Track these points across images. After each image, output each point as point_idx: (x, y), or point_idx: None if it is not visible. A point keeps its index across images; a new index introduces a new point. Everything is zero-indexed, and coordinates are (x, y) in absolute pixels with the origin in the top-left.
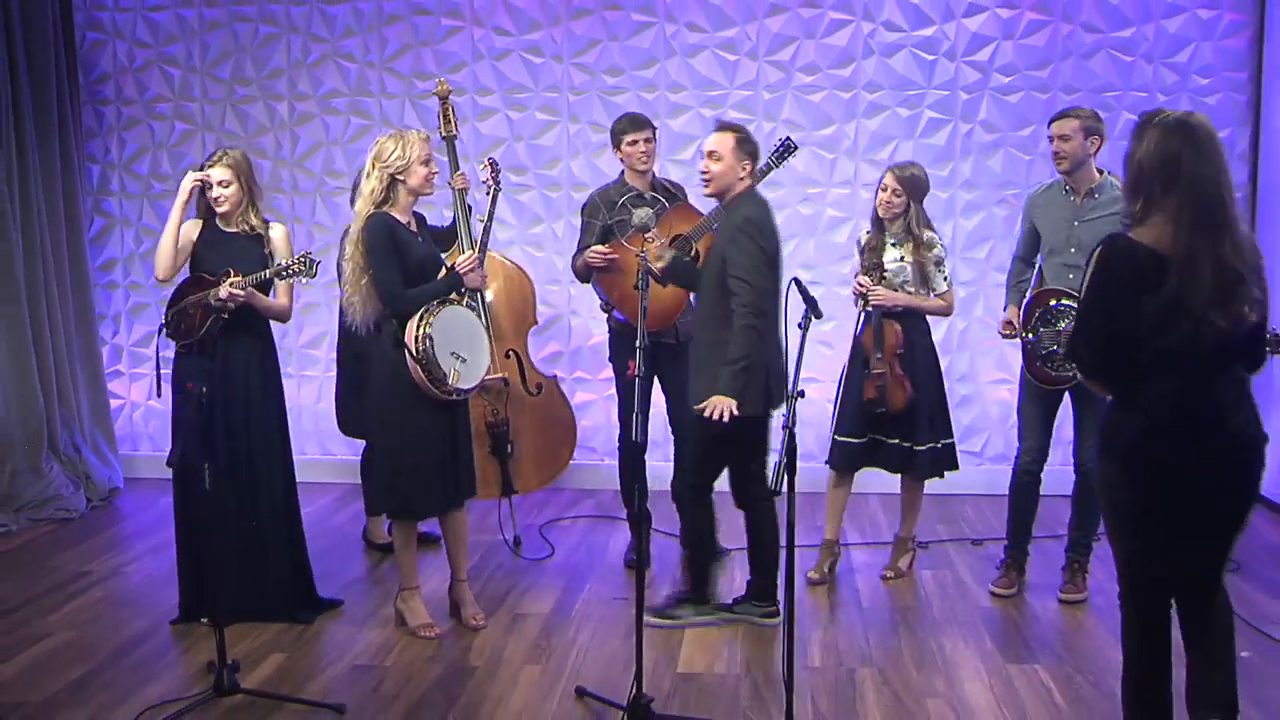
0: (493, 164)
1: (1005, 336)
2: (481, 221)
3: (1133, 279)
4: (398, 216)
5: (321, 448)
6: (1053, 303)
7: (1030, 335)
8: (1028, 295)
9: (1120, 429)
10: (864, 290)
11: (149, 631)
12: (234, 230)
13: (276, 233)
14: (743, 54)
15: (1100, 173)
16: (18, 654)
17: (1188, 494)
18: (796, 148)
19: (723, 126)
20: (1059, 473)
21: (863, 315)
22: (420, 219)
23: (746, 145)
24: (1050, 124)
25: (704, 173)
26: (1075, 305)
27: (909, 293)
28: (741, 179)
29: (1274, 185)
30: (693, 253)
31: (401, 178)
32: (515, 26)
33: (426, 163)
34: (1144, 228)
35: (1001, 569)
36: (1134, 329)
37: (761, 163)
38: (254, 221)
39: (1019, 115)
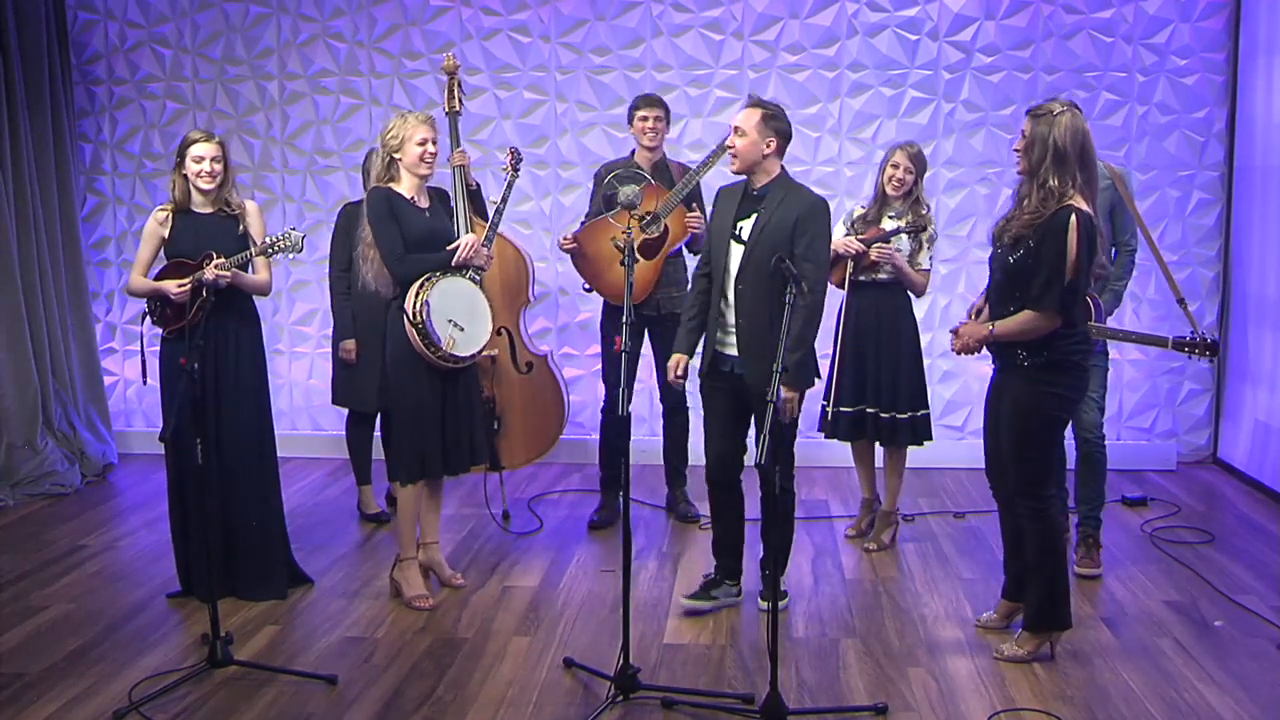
0: (514, 152)
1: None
2: (494, 204)
3: (1094, 242)
4: (401, 191)
5: (313, 423)
6: None
7: None
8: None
9: (1067, 349)
10: (855, 251)
11: (144, 604)
12: (209, 211)
13: (251, 209)
14: (728, 34)
15: None
16: (16, 626)
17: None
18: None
19: (752, 103)
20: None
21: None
22: (438, 194)
23: (772, 122)
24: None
25: (730, 147)
26: None
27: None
28: (767, 156)
29: (1250, 166)
30: (662, 228)
31: (398, 155)
32: (503, 6)
33: (423, 142)
34: (1072, 200)
35: None
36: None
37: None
38: (232, 201)
39: (1001, 95)
